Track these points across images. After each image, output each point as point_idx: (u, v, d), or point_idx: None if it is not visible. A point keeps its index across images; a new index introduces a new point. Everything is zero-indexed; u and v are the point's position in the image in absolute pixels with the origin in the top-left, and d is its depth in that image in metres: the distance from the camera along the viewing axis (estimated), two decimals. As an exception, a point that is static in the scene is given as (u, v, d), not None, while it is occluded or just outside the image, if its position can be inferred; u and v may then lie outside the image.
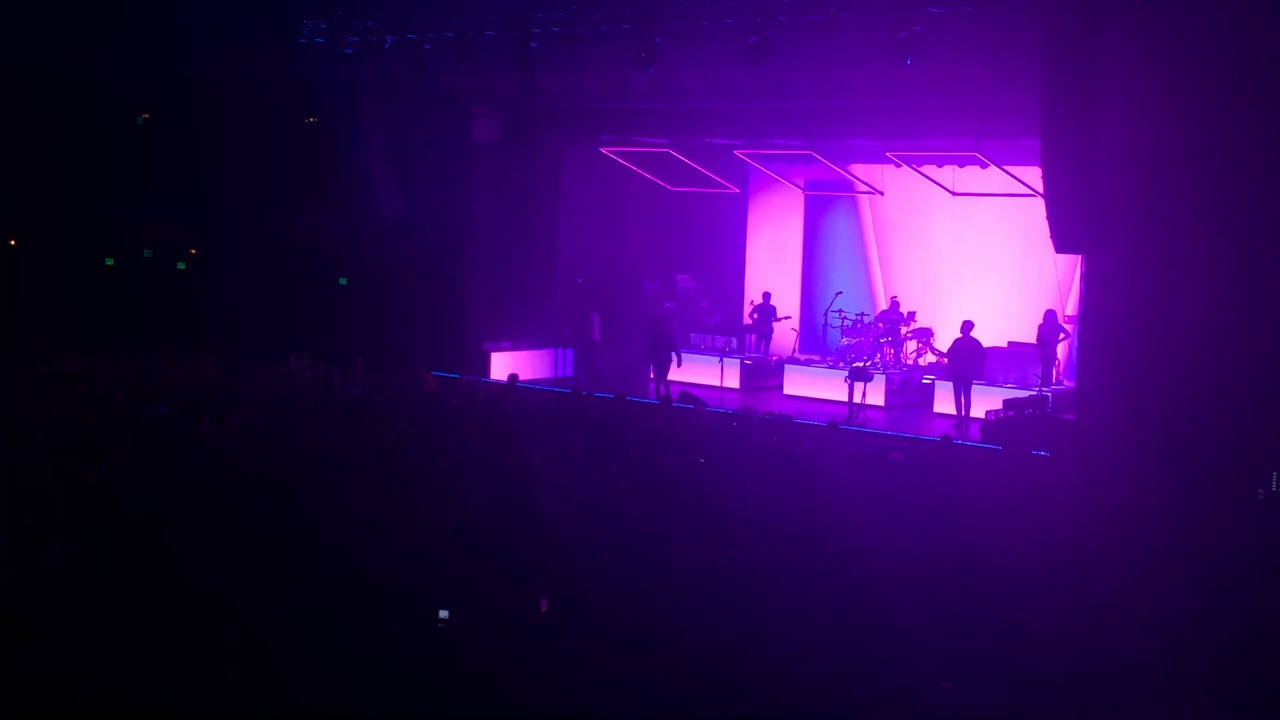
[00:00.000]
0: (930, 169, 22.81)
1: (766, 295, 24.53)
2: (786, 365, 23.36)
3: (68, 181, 26.02)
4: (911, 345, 23.05)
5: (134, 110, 26.23)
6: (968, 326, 20.64)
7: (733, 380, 23.24)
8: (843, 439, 16.97)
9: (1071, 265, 21.41)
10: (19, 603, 8.36)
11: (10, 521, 10.18)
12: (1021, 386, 20.74)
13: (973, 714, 7.78)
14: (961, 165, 22.41)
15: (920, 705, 7.77)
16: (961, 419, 20.28)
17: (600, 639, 8.36)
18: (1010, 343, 21.84)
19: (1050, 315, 21.18)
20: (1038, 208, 17.99)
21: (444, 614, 8.36)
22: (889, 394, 21.74)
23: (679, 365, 22.14)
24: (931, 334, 22.76)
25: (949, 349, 20.90)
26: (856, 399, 20.69)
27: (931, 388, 21.74)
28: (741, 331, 24.41)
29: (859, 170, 24.46)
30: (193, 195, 26.07)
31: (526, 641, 8.28)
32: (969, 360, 20.54)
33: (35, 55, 24.49)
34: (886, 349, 22.86)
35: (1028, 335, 21.46)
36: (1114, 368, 16.87)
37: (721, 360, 23.42)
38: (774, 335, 24.46)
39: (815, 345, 24.79)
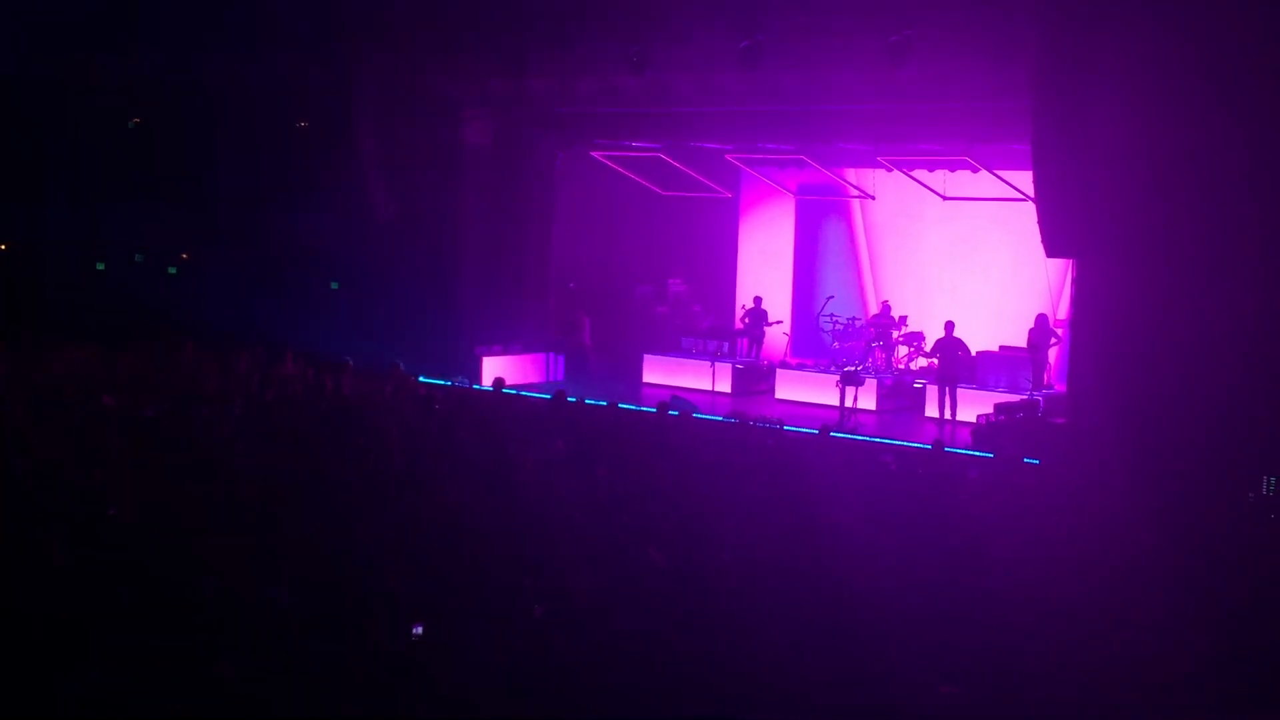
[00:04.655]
0: (921, 173, 22.85)
1: (758, 299, 24.57)
2: (778, 369, 23.37)
3: (59, 186, 25.98)
4: (903, 349, 23.09)
5: (125, 114, 26.20)
6: (950, 326, 20.79)
7: (724, 384, 23.23)
8: (834, 444, 16.97)
9: (1063, 269, 21.46)
10: (16, 604, 8.34)
11: (7, 522, 10.16)
12: (1012, 390, 20.77)
13: (968, 718, 7.79)
14: (953, 169, 22.45)
15: (918, 710, 7.77)
16: (947, 422, 20.34)
17: (591, 642, 8.36)
18: (1001, 346, 21.87)
19: (1041, 319, 21.21)
20: (1029, 212, 18.02)
21: (417, 630, 8.34)
22: (880, 398, 21.77)
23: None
24: (923, 338, 22.81)
25: (932, 348, 21.10)
26: (848, 403, 20.76)
27: (923, 392, 21.77)
28: (733, 335, 24.44)
29: (850, 175, 24.52)
30: (185, 199, 26.04)
31: (519, 643, 8.27)
32: (952, 358, 20.65)
33: (28, 58, 24.45)
34: (878, 353, 22.89)
35: (1019, 339, 21.49)
36: (1105, 372, 16.89)
37: (713, 364, 23.42)
38: (765, 339, 24.50)
39: (807, 349, 24.82)
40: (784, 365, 23.74)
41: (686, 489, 12.98)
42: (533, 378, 23.65)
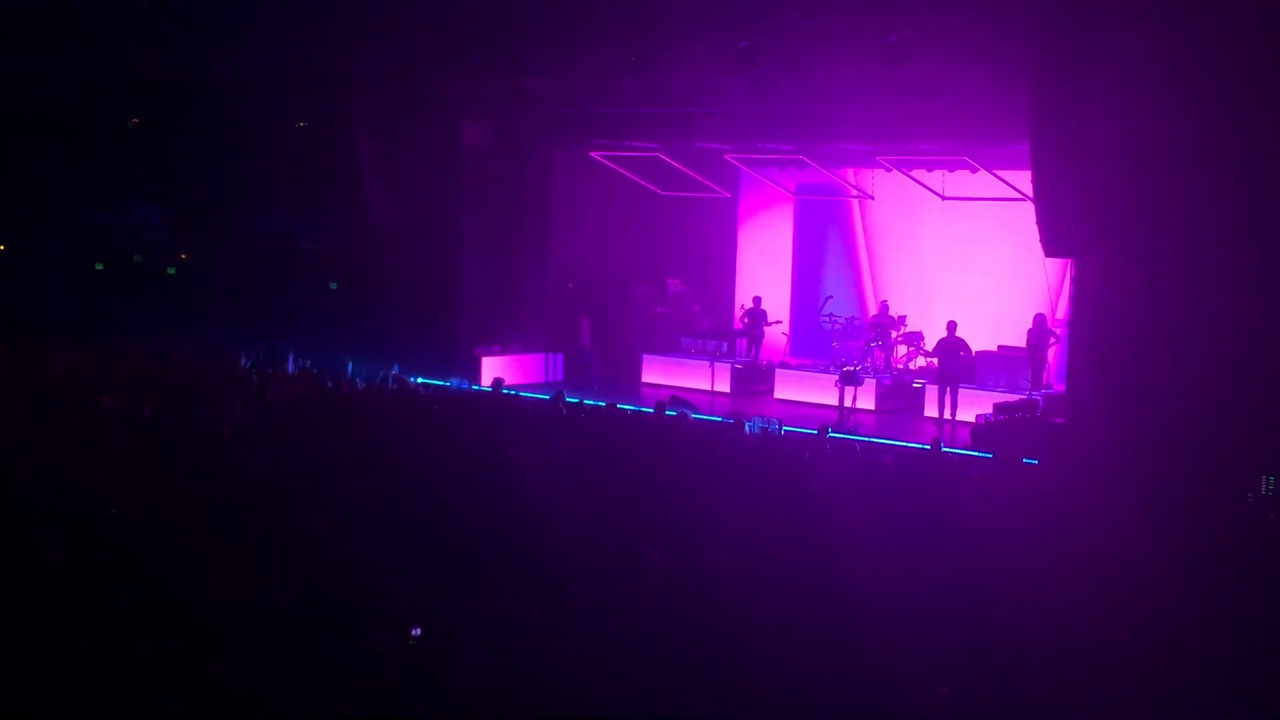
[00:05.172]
0: (920, 173, 22.86)
1: (757, 299, 24.58)
2: (777, 369, 23.38)
3: (58, 186, 26.00)
4: (902, 349, 23.10)
5: (124, 114, 26.22)
6: (952, 326, 20.84)
7: (723, 384, 23.26)
8: (833, 444, 16.98)
9: (1061, 269, 21.48)
10: (16, 604, 8.34)
11: (7, 522, 10.17)
12: (1011, 390, 20.78)
13: (966, 718, 7.79)
14: (951, 170, 22.47)
15: (917, 710, 7.77)
16: (946, 421, 20.35)
17: (591, 642, 8.36)
18: (1000, 346, 21.89)
19: (1040, 319, 21.23)
20: (1027, 212, 18.03)
21: (415, 632, 8.34)
22: (879, 398, 21.79)
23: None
24: (922, 338, 22.83)
25: (934, 348, 21.15)
26: (847, 403, 20.77)
27: (922, 391, 21.79)
28: (732, 335, 24.45)
29: (849, 175, 24.52)
30: (183, 200, 26.06)
31: (518, 643, 8.28)
32: (953, 358, 20.69)
33: (25, 59, 24.44)
34: (877, 353, 22.91)
35: (1018, 339, 21.51)
36: (1104, 371, 16.90)
37: (712, 364, 23.44)
38: (765, 339, 24.51)
39: (806, 349, 24.83)
40: (783, 365, 23.75)
41: (685, 489, 12.99)
42: (532, 378, 23.67)
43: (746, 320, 24.54)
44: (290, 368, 19.83)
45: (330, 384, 18.59)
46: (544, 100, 22.11)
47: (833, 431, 17.74)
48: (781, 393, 22.80)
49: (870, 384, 21.64)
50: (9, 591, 8.65)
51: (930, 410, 21.19)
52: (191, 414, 15.45)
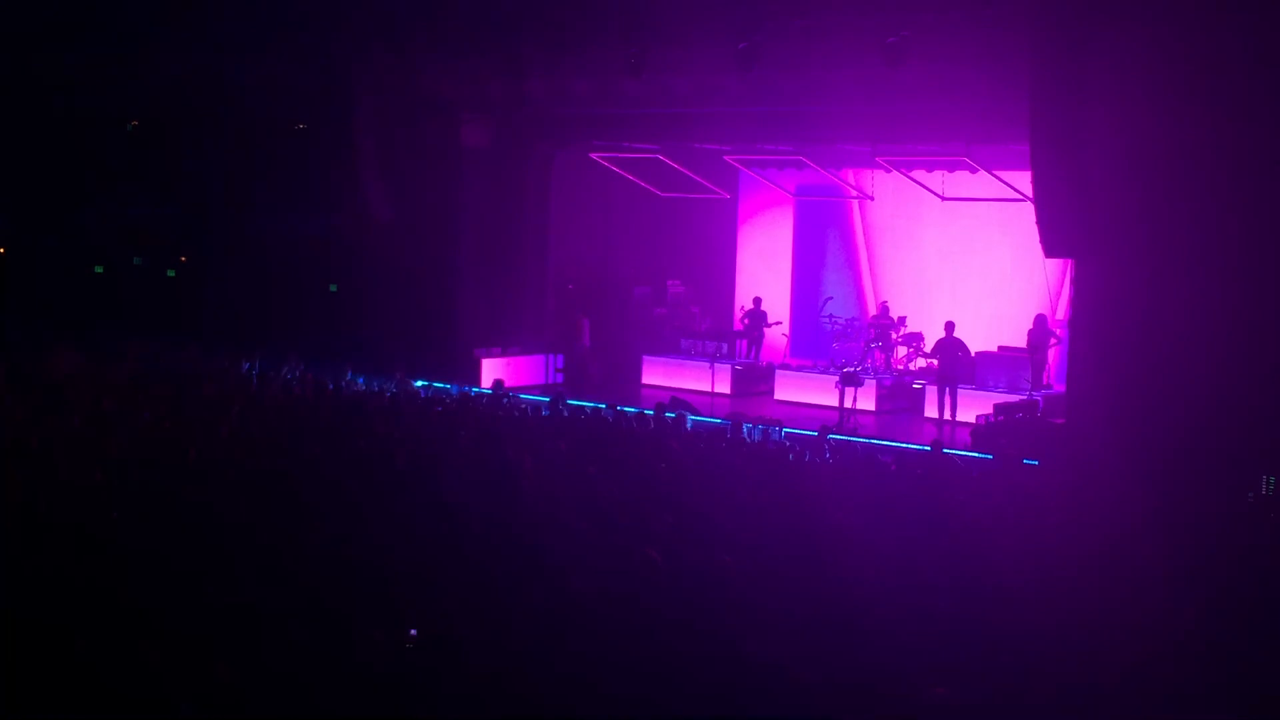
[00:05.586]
0: (920, 174, 22.86)
1: (757, 300, 24.58)
2: (777, 370, 23.38)
3: (56, 189, 25.98)
4: (902, 350, 23.10)
5: (124, 116, 26.23)
6: (950, 326, 20.84)
7: (724, 385, 23.25)
8: (834, 445, 16.98)
9: (1062, 270, 21.47)
10: (13, 607, 8.34)
11: (7, 523, 10.17)
12: (1011, 391, 20.78)
13: (966, 718, 7.79)
14: (951, 170, 22.46)
15: (915, 709, 7.76)
16: (946, 422, 20.35)
17: (591, 642, 8.36)
18: (1000, 347, 21.89)
19: (1040, 320, 21.23)
20: (1027, 212, 18.03)
21: (413, 633, 8.34)
22: (879, 399, 21.78)
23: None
24: (922, 338, 22.83)
25: (933, 349, 21.16)
26: (847, 404, 20.75)
27: (922, 392, 21.79)
28: (732, 337, 24.46)
29: (849, 175, 24.52)
30: (183, 202, 26.07)
31: (518, 644, 8.28)
32: (952, 358, 20.70)
33: (23, 59, 24.44)
34: (877, 354, 22.91)
35: (1018, 339, 21.51)
36: (1104, 372, 16.90)
37: (712, 365, 23.43)
38: (765, 340, 24.51)
39: (806, 350, 24.83)
40: (783, 366, 23.75)
41: (685, 490, 12.99)
42: (532, 379, 23.67)
43: (746, 321, 24.54)
44: (290, 375, 19.83)
45: (331, 386, 18.60)
46: (544, 100, 22.11)
47: (833, 433, 17.74)
48: (782, 394, 22.79)
49: (870, 385, 21.64)
50: (9, 593, 8.65)
51: (930, 411, 21.18)
52: (191, 416, 15.45)
